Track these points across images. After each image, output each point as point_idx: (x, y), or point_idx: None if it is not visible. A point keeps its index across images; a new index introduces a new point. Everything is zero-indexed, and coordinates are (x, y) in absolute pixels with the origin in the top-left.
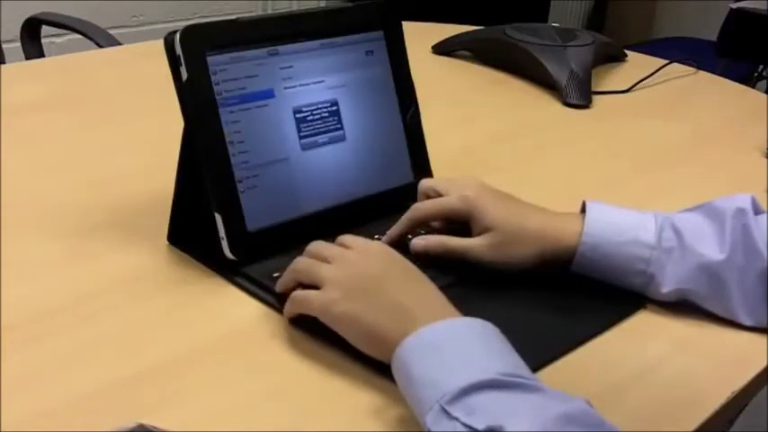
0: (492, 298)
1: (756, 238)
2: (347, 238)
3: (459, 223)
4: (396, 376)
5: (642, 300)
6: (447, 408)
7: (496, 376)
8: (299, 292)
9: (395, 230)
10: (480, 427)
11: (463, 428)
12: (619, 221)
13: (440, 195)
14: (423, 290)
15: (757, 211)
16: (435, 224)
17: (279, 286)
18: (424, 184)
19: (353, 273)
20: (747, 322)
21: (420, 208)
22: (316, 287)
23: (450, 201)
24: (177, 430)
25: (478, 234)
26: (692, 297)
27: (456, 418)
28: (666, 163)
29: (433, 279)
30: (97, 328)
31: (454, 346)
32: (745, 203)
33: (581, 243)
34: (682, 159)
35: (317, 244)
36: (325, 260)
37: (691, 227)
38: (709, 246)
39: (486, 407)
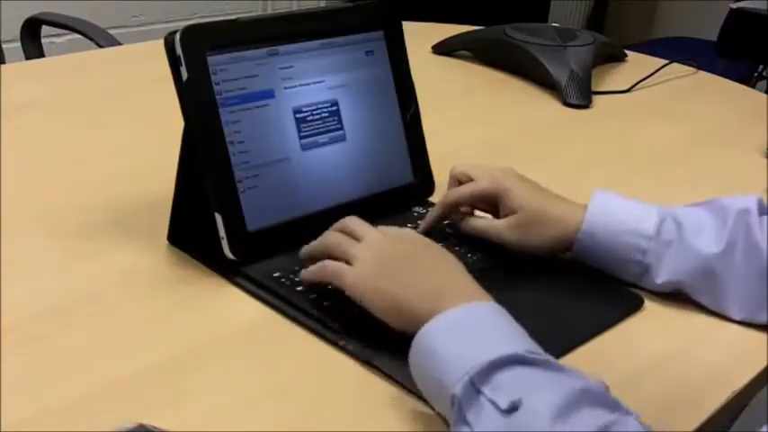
0: (493, 297)
1: (758, 237)
2: (379, 227)
3: (489, 207)
4: (415, 354)
5: (642, 300)
6: (475, 381)
7: (523, 353)
8: (332, 263)
9: (430, 216)
10: (503, 405)
11: (488, 403)
12: (620, 211)
13: (470, 180)
14: (453, 272)
15: (763, 213)
16: (465, 209)
17: (304, 253)
18: (456, 168)
19: (385, 252)
20: (738, 317)
21: (453, 192)
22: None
23: (481, 183)
24: (177, 430)
25: (504, 216)
26: (685, 289)
27: (482, 392)
28: (666, 163)
29: None
30: (97, 327)
31: (480, 327)
32: (751, 204)
33: (580, 230)
34: (681, 159)
35: (350, 219)
36: (356, 238)
37: (692, 221)
38: (707, 240)
39: (511, 383)
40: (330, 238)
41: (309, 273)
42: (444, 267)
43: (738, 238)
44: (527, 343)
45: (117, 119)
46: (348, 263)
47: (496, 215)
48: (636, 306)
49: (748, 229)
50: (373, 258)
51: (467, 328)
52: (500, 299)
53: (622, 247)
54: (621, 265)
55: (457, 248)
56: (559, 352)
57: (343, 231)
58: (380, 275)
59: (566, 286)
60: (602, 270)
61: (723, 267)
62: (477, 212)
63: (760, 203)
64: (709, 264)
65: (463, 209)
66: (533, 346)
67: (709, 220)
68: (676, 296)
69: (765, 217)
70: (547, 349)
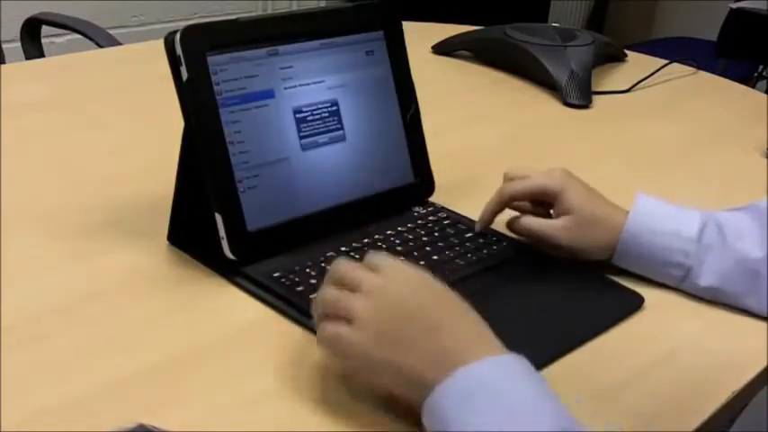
0: (493, 298)
1: None
2: (376, 259)
3: (540, 207)
4: (426, 424)
5: (642, 299)
6: None
7: None
8: (329, 328)
9: (487, 209)
10: None
11: None
12: (662, 215)
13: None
14: (461, 321)
15: None
16: (519, 204)
17: (313, 311)
18: (512, 170)
19: (386, 307)
20: None
21: (511, 185)
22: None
23: (540, 179)
24: (177, 430)
25: (557, 216)
26: (728, 296)
27: None
28: (666, 163)
29: (439, 278)
30: (97, 328)
31: (490, 395)
32: None
33: (623, 232)
34: (681, 159)
35: (341, 266)
36: (353, 287)
37: (734, 225)
38: (750, 243)
39: None
40: (325, 295)
41: (317, 338)
42: (451, 317)
43: None
44: (547, 414)
45: (117, 119)
46: (348, 319)
47: (544, 216)
48: (636, 306)
49: None
50: (374, 316)
51: (472, 395)
52: (501, 299)
53: (664, 251)
54: (663, 268)
55: (457, 248)
56: (560, 352)
57: (336, 281)
58: (383, 342)
59: (566, 286)
60: (644, 274)
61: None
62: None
63: None
64: (755, 267)
65: (517, 203)
66: (555, 412)
67: (749, 224)
68: (676, 296)
69: None
70: (547, 349)
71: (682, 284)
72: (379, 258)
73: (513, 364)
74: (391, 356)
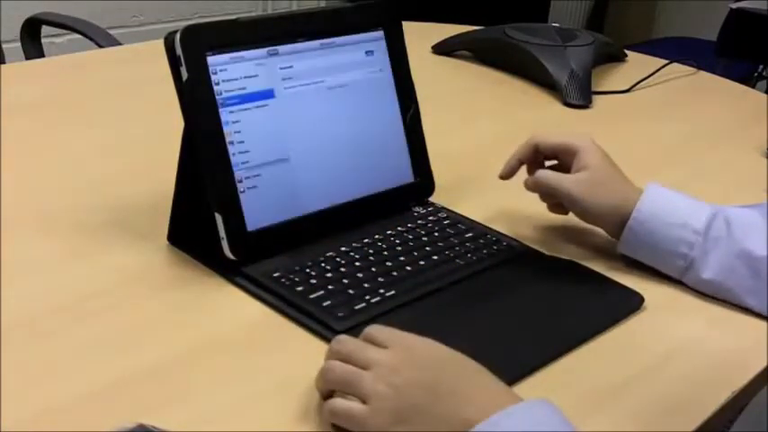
0: (493, 298)
1: None
2: (381, 334)
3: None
4: None
5: (642, 299)
6: None
7: None
8: (341, 404)
9: (512, 158)
10: None
11: None
12: (672, 204)
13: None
14: (477, 386)
15: None
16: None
17: (318, 384)
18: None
19: (401, 385)
20: None
21: (538, 135)
22: None
23: (566, 135)
24: (177, 430)
25: (575, 172)
26: (729, 291)
27: None
28: (666, 163)
29: (440, 278)
30: (97, 327)
31: None
32: None
33: (632, 217)
34: (681, 159)
35: (347, 345)
36: (362, 365)
37: (743, 221)
38: (757, 241)
39: None
40: (332, 372)
41: (324, 414)
42: (467, 384)
43: None
44: None
45: (117, 119)
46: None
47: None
48: (636, 306)
49: None
50: (389, 396)
51: None
52: (501, 299)
53: (670, 240)
54: (667, 258)
55: (457, 248)
56: (560, 352)
57: (346, 359)
58: (400, 421)
59: (566, 286)
60: (647, 262)
61: None
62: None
63: None
64: (758, 266)
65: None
66: None
67: (759, 222)
68: (676, 296)
69: None
70: (547, 349)
71: (684, 276)
72: (384, 334)
73: (532, 412)
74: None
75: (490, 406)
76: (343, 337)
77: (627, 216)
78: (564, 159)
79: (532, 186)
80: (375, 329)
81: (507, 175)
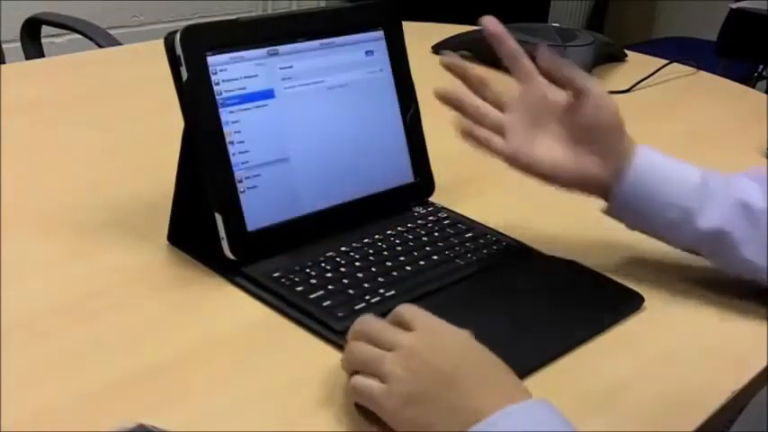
0: (492, 298)
1: None
2: (408, 314)
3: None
4: None
5: (642, 299)
6: None
7: None
8: (361, 382)
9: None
10: None
11: None
12: (667, 162)
13: None
14: (492, 381)
15: None
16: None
17: (343, 363)
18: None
19: (417, 370)
20: None
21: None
22: None
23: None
24: (177, 430)
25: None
26: (729, 240)
27: None
28: None
29: (440, 278)
30: (97, 327)
31: None
32: None
33: (622, 181)
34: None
35: (373, 325)
36: (385, 347)
37: (737, 179)
38: (755, 195)
39: None
40: (355, 352)
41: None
42: (486, 380)
43: None
44: None
45: (117, 119)
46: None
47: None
48: (636, 306)
49: None
50: (408, 378)
51: None
52: (500, 299)
53: (667, 191)
54: (665, 210)
55: (457, 248)
56: (560, 351)
57: (369, 340)
58: (414, 402)
59: (565, 286)
60: (640, 225)
61: None
62: None
63: None
64: (756, 216)
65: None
66: None
67: (752, 182)
68: (676, 296)
69: None
70: (547, 349)
71: (680, 230)
72: (412, 313)
73: (531, 412)
74: (421, 418)
75: (500, 402)
76: (368, 317)
77: (616, 158)
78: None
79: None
80: (404, 309)
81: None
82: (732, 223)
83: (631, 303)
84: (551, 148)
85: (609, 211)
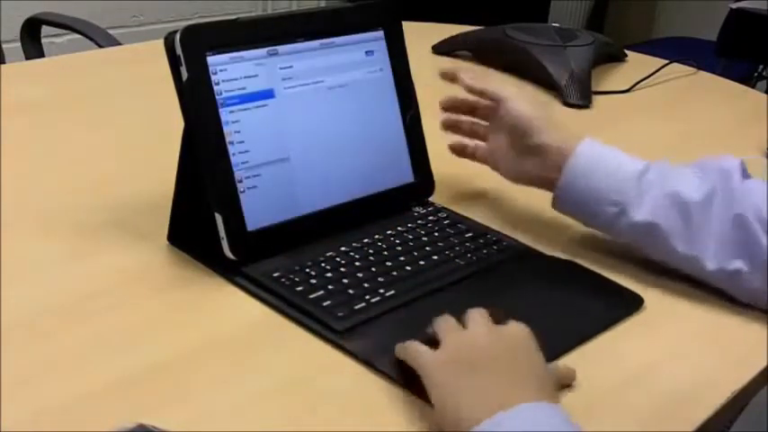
0: (492, 298)
1: (736, 188)
2: (472, 314)
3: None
4: None
5: (642, 300)
6: None
7: None
8: (411, 342)
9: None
10: None
11: None
12: (607, 155)
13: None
14: (533, 377)
15: (744, 176)
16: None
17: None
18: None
19: (472, 342)
20: (712, 266)
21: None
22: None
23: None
24: (177, 430)
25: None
26: (660, 232)
27: None
28: None
29: (440, 278)
30: (97, 327)
31: None
32: (733, 165)
33: (564, 173)
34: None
35: (476, 310)
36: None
37: (677, 170)
38: (688, 187)
39: None
40: (439, 320)
41: (398, 348)
42: (527, 373)
43: (719, 189)
44: None
45: (117, 119)
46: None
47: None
48: (635, 306)
49: (728, 183)
50: (458, 350)
51: None
52: (500, 299)
53: (601, 190)
54: (600, 205)
55: (457, 248)
56: (560, 352)
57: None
58: (451, 365)
59: (565, 287)
60: (580, 218)
61: (702, 215)
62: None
63: (742, 165)
64: (689, 209)
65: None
66: None
67: (692, 172)
68: (676, 296)
69: (747, 180)
70: (547, 349)
71: (616, 223)
72: (473, 320)
73: (536, 411)
74: (452, 384)
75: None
76: (478, 309)
77: (551, 161)
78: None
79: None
80: (472, 312)
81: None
82: (663, 216)
83: (631, 304)
84: (503, 157)
85: (554, 205)
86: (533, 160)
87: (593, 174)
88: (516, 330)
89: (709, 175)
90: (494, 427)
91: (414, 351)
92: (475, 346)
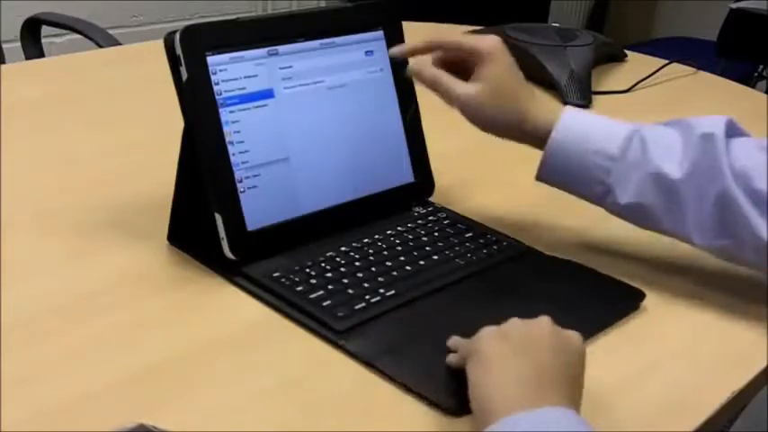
0: (492, 298)
1: (721, 161)
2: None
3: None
4: None
5: (643, 294)
6: None
7: None
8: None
9: (408, 46)
10: None
11: None
12: (589, 129)
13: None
14: (570, 384)
15: (732, 134)
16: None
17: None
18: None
19: (531, 330)
20: (699, 243)
21: (441, 34)
22: None
23: (475, 39)
24: (177, 430)
25: (474, 81)
26: (648, 213)
27: None
28: None
29: (440, 278)
30: (97, 327)
31: None
32: (718, 127)
33: (547, 145)
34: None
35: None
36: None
37: (659, 141)
38: (672, 162)
39: None
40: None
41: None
42: (570, 375)
43: (702, 162)
44: None
45: (117, 119)
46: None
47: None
48: (637, 302)
49: (712, 153)
50: (514, 329)
51: None
52: (500, 299)
53: (587, 166)
54: (585, 185)
55: (457, 248)
56: None
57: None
58: (503, 339)
59: (565, 286)
60: (568, 190)
61: (686, 192)
62: None
63: (729, 124)
64: (673, 187)
65: (436, 54)
66: None
67: (676, 141)
68: (676, 296)
69: (736, 139)
70: None
71: (604, 202)
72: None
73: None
74: (498, 362)
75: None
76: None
77: (528, 132)
78: (467, 64)
79: (427, 81)
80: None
81: (398, 55)
82: (648, 197)
83: (632, 299)
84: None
85: (539, 177)
86: (515, 118)
87: (577, 150)
88: (573, 336)
89: (692, 145)
90: (509, 426)
91: (470, 339)
92: (530, 333)
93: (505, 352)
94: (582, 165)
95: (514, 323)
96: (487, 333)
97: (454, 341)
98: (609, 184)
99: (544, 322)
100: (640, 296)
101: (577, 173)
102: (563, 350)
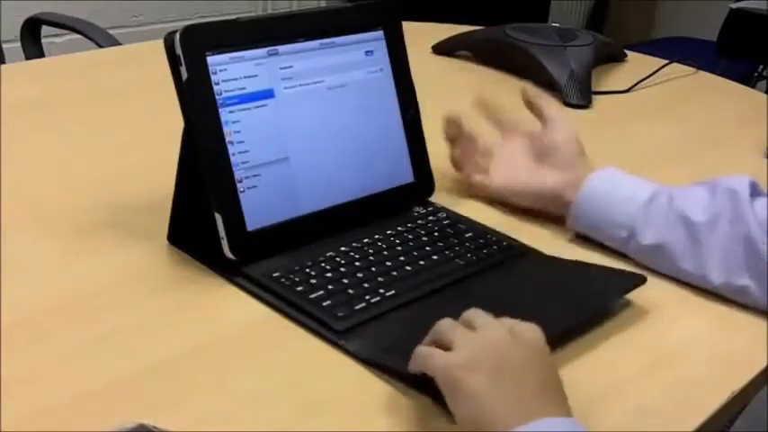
0: (494, 298)
1: (745, 209)
2: (476, 319)
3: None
4: None
5: (644, 278)
6: None
7: None
8: (423, 348)
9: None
10: None
11: None
12: (618, 183)
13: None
14: (550, 387)
15: (756, 195)
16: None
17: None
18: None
19: (491, 344)
20: (718, 282)
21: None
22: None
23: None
24: (177, 430)
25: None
26: (670, 253)
27: None
28: (666, 163)
29: (440, 278)
30: (97, 327)
31: None
32: (742, 185)
33: (579, 194)
34: (681, 159)
35: (473, 312)
36: (448, 344)
37: (686, 193)
38: (696, 209)
39: None
40: (442, 325)
41: (412, 363)
42: (544, 380)
43: (726, 210)
44: None
45: (117, 119)
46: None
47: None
48: (639, 281)
49: (736, 203)
50: (476, 350)
51: None
52: (500, 299)
53: (613, 214)
54: (610, 230)
55: (457, 248)
56: (565, 330)
57: (463, 321)
58: (473, 368)
59: (566, 286)
60: (595, 236)
61: (709, 233)
62: None
63: (753, 185)
64: (695, 231)
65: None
66: None
67: (702, 195)
68: (677, 296)
69: (758, 199)
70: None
71: (628, 246)
72: (480, 318)
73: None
74: (474, 385)
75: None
76: (474, 310)
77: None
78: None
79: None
80: (473, 313)
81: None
82: (670, 237)
83: (635, 279)
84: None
85: (569, 224)
86: (552, 174)
87: (606, 198)
88: (531, 332)
89: (718, 196)
90: None
91: (424, 355)
92: (492, 349)
93: (482, 383)
94: (608, 212)
95: (464, 340)
96: (447, 366)
97: (415, 365)
98: (632, 227)
99: (491, 325)
100: (641, 278)
101: (604, 220)
102: (527, 351)
